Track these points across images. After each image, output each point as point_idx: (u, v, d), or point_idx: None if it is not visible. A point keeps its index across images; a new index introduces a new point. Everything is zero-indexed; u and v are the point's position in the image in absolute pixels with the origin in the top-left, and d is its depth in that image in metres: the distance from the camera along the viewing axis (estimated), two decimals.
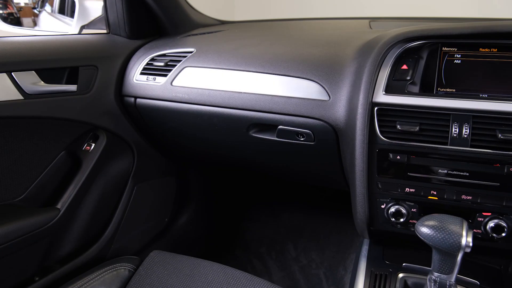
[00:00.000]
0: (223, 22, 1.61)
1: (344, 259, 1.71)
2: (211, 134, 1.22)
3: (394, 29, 0.98)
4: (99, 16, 1.44)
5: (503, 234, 0.87)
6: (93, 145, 1.23)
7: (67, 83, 1.14)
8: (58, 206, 1.15)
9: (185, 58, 1.19)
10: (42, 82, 1.08)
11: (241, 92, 1.08)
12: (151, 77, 1.22)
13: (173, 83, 1.17)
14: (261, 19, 1.66)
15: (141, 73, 1.24)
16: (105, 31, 1.37)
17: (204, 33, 1.38)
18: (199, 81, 1.14)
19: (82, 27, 1.55)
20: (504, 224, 0.86)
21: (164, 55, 1.25)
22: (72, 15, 1.76)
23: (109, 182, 1.30)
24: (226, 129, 1.17)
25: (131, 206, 1.39)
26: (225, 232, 1.94)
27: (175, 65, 1.19)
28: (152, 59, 1.25)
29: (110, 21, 1.34)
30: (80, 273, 1.07)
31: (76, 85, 1.15)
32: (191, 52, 1.21)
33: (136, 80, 1.24)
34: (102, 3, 1.33)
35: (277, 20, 1.61)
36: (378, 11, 2.07)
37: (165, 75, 1.19)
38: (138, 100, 1.24)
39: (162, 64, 1.21)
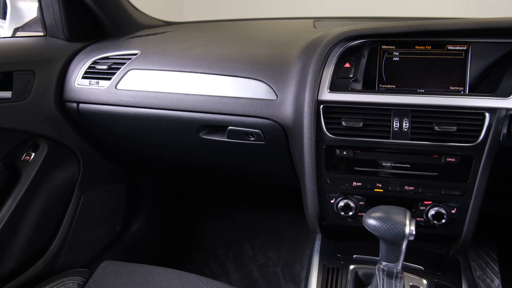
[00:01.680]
0: (168, 23, 1.58)
1: (300, 255, 1.74)
2: (160, 137, 1.19)
3: (336, 29, 1.01)
4: (34, 18, 1.36)
5: (443, 221, 0.92)
6: (33, 154, 1.16)
7: (0, 89, 1.07)
8: None
9: (129, 61, 1.16)
10: None
11: (189, 94, 1.07)
12: (94, 81, 1.17)
13: (118, 87, 1.13)
14: (208, 19, 1.65)
15: (83, 77, 1.18)
16: (41, 34, 1.29)
17: (149, 35, 1.34)
18: (145, 83, 1.11)
19: (16, 30, 1.46)
20: (444, 211, 0.92)
21: (107, 57, 1.20)
22: (4, 17, 1.65)
23: (53, 192, 1.23)
24: (176, 132, 1.14)
25: (79, 216, 1.33)
26: (181, 236, 1.90)
27: (119, 68, 1.15)
28: (94, 62, 1.20)
29: (46, 23, 1.26)
30: None
31: (10, 92, 1.07)
32: (135, 54, 1.17)
33: (78, 84, 1.18)
34: (37, 4, 1.25)
35: (224, 20, 1.60)
36: (323, 11, 2.12)
37: (109, 79, 1.15)
38: (81, 105, 1.19)
39: (105, 67, 1.17)
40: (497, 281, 1.45)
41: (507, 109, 0.85)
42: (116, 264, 1.08)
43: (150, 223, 1.72)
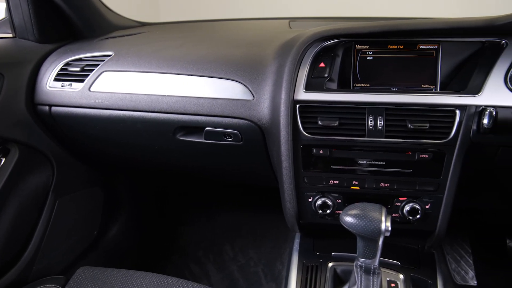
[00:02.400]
0: (143, 24, 1.56)
1: (280, 254, 1.74)
2: (136, 139, 1.17)
3: (311, 29, 1.02)
4: (2, 19, 1.32)
5: (418, 216, 0.94)
6: (3, 159, 1.12)
7: None
8: None
9: (103, 62, 1.14)
10: None
11: (164, 95, 1.06)
12: (66, 83, 1.14)
13: (91, 89, 1.11)
14: (184, 20, 1.64)
15: (55, 80, 1.15)
16: (10, 35, 1.25)
17: (123, 36, 1.32)
18: (120, 85, 1.10)
19: None
20: (418, 207, 0.94)
21: (79, 59, 1.18)
22: None
23: (26, 198, 1.20)
24: (152, 134, 1.13)
25: (54, 222, 1.29)
26: (160, 239, 1.88)
27: (93, 70, 1.13)
28: (67, 64, 1.17)
29: (15, 24, 1.23)
30: None
31: None
32: (109, 55, 1.15)
33: (50, 87, 1.15)
34: (4, 4, 1.21)
35: (199, 21, 1.59)
36: (299, 11, 2.14)
37: (82, 81, 1.13)
38: (54, 108, 1.16)
39: (78, 69, 1.14)
40: (471, 273, 1.50)
41: (476, 106, 0.88)
42: (93, 270, 1.06)
43: (128, 226, 1.70)
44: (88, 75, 1.13)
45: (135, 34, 1.35)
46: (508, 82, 0.89)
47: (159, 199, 1.96)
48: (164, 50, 1.14)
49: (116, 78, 1.10)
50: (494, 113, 0.84)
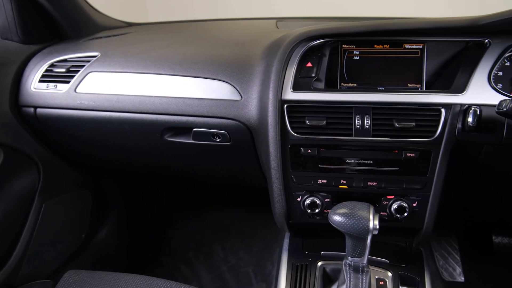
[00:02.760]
0: (129, 24, 1.55)
1: (271, 254, 1.74)
2: (124, 141, 1.16)
3: (298, 29, 1.02)
4: None
5: (405, 214, 0.95)
6: None
7: None
8: None
9: (89, 63, 1.13)
10: None
11: (152, 96, 1.05)
12: (51, 84, 1.13)
13: (77, 90, 1.10)
14: (171, 20, 1.63)
15: (40, 81, 1.14)
16: None
17: (109, 36, 1.31)
18: (106, 86, 1.08)
19: None
20: (405, 205, 0.95)
21: (65, 60, 1.16)
22: None
23: (12, 202, 1.18)
24: (140, 135, 1.12)
25: (40, 225, 1.27)
26: (150, 241, 1.87)
27: (78, 71, 1.12)
28: (52, 65, 1.15)
29: None
30: None
31: None
32: (95, 56, 1.14)
33: (35, 88, 1.14)
34: None
35: (187, 21, 1.58)
36: (286, 11, 2.14)
37: (68, 82, 1.11)
38: (39, 110, 1.14)
39: (63, 70, 1.13)
40: (458, 269, 1.52)
41: (461, 105, 0.89)
42: (81, 273, 1.04)
43: (117, 229, 1.68)
44: (74, 76, 1.11)
45: (121, 34, 1.33)
46: (492, 81, 0.90)
47: (148, 200, 1.94)
48: (151, 51, 1.14)
49: (102, 79, 1.09)
50: (478, 112, 0.85)
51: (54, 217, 1.33)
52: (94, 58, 1.13)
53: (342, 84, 0.99)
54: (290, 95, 0.94)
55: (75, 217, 1.48)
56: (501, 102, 0.80)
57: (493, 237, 1.57)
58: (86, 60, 1.14)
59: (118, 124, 1.09)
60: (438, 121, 0.90)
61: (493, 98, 0.89)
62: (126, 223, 1.75)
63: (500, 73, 0.92)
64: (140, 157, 1.28)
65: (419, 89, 0.96)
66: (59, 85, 1.12)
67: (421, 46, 0.95)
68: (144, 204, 1.91)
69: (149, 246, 1.85)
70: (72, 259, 1.46)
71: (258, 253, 1.77)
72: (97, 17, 1.41)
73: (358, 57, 0.98)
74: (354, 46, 0.98)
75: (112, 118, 1.09)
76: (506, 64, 0.92)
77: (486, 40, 0.93)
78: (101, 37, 1.31)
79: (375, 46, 0.97)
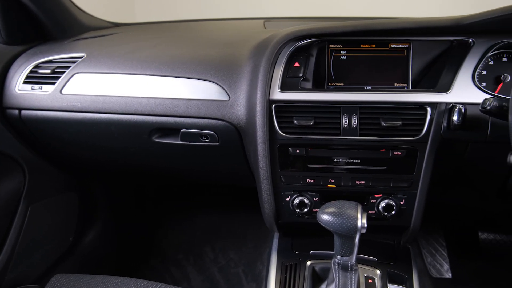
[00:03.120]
0: (116, 25, 1.53)
1: (261, 254, 1.75)
2: (111, 142, 1.15)
3: (285, 29, 1.02)
4: None
5: (393, 212, 0.96)
6: None
7: None
8: None
9: (74, 64, 1.11)
10: None
11: (139, 97, 1.04)
12: (36, 86, 1.11)
13: (63, 91, 1.08)
14: (158, 20, 1.62)
15: (25, 82, 1.12)
16: None
17: (95, 37, 1.29)
18: (92, 87, 1.07)
19: None
20: (393, 203, 0.96)
21: (50, 61, 1.15)
22: None
23: None
24: (127, 137, 1.11)
25: (26, 229, 1.25)
26: (139, 243, 1.85)
27: (64, 72, 1.10)
28: (37, 66, 1.14)
29: None
30: None
31: None
32: (81, 57, 1.13)
33: (19, 90, 1.12)
34: None
35: (174, 21, 1.58)
36: (273, 11, 2.15)
37: (53, 83, 1.10)
38: (24, 112, 1.12)
39: (48, 71, 1.11)
40: (446, 266, 1.54)
41: (446, 103, 0.90)
42: (69, 277, 1.03)
43: (105, 231, 1.66)
44: (59, 77, 1.10)
45: (108, 35, 1.32)
46: (476, 79, 0.92)
47: (137, 202, 1.93)
48: (138, 51, 1.13)
49: (88, 80, 1.08)
50: (463, 110, 0.86)
51: (40, 220, 1.31)
52: (80, 59, 1.12)
53: (329, 83, 0.99)
54: (278, 95, 0.94)
55: (62, 220, 1.46)
56: (485, 101, 0.81)
57: (479, 234, 1.59)
58: (72, 61, 1.12)
59: (105, 126, 1.08)
60: (424, 119, 0.91)
61: (477, 96, 0.90)
62: (115, 225, 1.73)
63: (484, 72, 0.93)
64: (128, 159, 1.27)
65: (405, 88, 0.97)
66: (44, 87, 1.10)
67: (406, 46, 0.97)
68: (133, 205, 1.90)
69: (139, 248, 1.83)
70: (59, 262, 1.44)
71: (248, 254, 1.77)
72: (83, 17, 1.39)
73: (345, 57, 0.99)
74: (341, 46, 0.99)
75: (98, 119, 1.07)
76: (489, 63, 0.94)
77: (470, 40, 0.94)
78: (87, 38, 1.29)
79: (362, 45, 0.98)
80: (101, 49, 1.16)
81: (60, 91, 1.09)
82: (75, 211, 1.51)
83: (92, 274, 1.05)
